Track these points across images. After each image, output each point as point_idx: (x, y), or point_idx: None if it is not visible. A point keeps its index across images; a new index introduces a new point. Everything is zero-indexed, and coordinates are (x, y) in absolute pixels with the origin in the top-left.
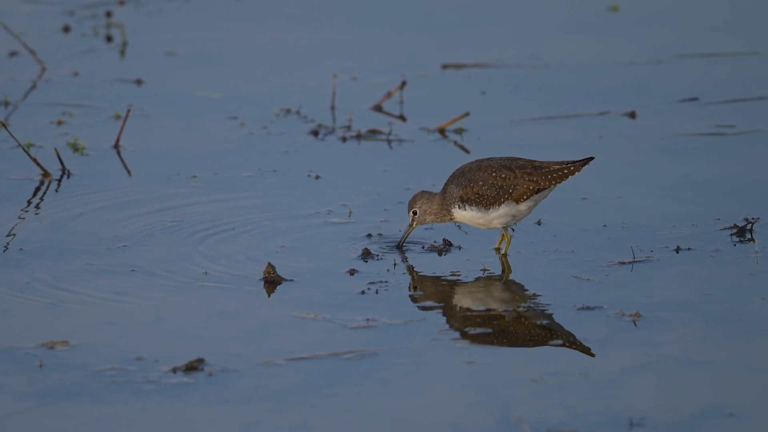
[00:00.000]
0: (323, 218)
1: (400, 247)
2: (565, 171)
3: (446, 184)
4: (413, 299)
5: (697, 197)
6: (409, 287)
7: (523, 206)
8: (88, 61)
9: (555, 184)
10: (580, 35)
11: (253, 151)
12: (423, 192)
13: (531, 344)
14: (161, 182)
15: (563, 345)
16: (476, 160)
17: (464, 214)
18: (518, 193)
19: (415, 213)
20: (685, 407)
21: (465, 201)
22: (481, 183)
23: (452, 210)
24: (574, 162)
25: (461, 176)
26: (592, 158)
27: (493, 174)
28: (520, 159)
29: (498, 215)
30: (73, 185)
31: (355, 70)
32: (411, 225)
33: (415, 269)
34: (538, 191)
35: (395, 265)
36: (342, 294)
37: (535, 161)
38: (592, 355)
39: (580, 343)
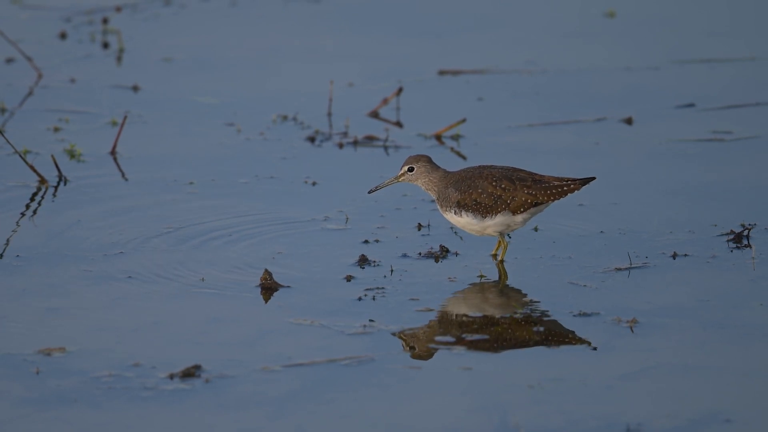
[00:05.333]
0: (320, 224)
1: (371, 191)
2: (565, 188)
3: (451, 178)
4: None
5: (694, 203)
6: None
7: (519, 218)
8: (85, 67)
9: (553, 200)
10: (577, 41)
11: (250, 157)
12: (427, 158)
13: (528, 350)
14: (158, 188)
15: (560, 352)
16: (479, 166)
17: (459, 220)
18: (515, 205)
19: (411, 170)
20: (682, 413)
21: (462, 207)
22: (480, 191)
23: (447, 215)
24: (574, 180)
25: (462, 181)
26: (593, 178)
27: (493, 183)
28: (522, 171)
29: (493, 224)
30: (70, 192)
31: (352, 76)
32: (397, 177)
33: (403, 332)
34: (536, 205)
35: (392, 271)
36: (339, 300)
37: (536, 174)
38: (594, 348)
39: (580, 338)
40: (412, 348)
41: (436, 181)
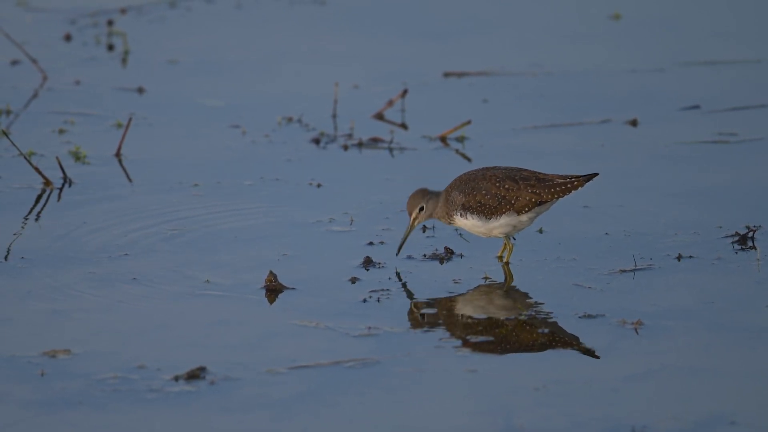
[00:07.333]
0: (325, 226)
1: (401, 246)
2: (569, 185)
3: (450, 188)
4: (417, 307)
5: (698, 205)
6: (415, 320)
7: (524, 217)
8: (90, 69)
9: (557, 198)
10: (582, 43)
11: (255, 159)
12: (424, 190)
13: (533, 352)
14: (163, 191)
15: (565, 354)
16: (482, 168)
17: (465, 222)
18: (520, 205)
19: (422, 209)
20: (687, 415)
21: (467, 209)
22: (483, 192)
23: (454, 216)
24: (578, 177)
25: (465, 183)
26: (596, 174)
27: (497, 184)
28: (524, 170)
29: (499, 225)
30: (75, 194)
31: (357, 78)
32: (412, 224)
33: (417, 300)
34: (540, 203)
35: (397, 273)
36: (344, 302)
37: (539, 173)
38: (597, 356)
39: (585, 348)
40: (421, 315)
41: (443, 201)
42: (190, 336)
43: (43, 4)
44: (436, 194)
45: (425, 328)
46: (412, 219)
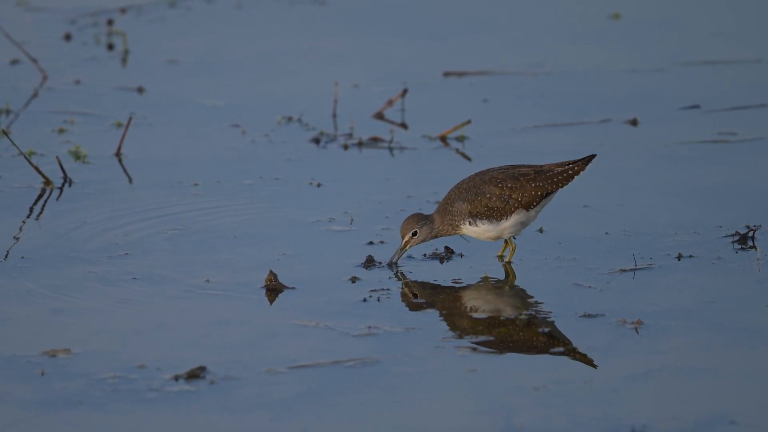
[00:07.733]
0: (325, 226)
1: (392, 264)
2: (569, 172)
3: (449, 200)
4: (414, 306)
5: (698, 205)
6: (405, 295)
7: (532, 212)
8: (90, 69)
9: (562, 186)
10: (582, 43)
11: (255, 159)
12: (420, 215)
13: (533, 352)
14: (163, 190)
15: (565, 353)
16: (478, 173)
17: (475, 230)
18: (527, 200)
19: (415, 234)
20: (687, 415)
21: (475, 216)
22: (488, 195)
23: (462, 226)
24: (576, 161)
25: (466, 192)
26: (594, 156)
27: (499, 185)
28: (520, 166)
29: (510, 225)
30: (75, 193)
31: (357, 78)
32: (403, 247)
33: (409, 280)
34: (546, 195)
35: (397, 273)
36: (344, 302)
37: (535, 166)
38: (594, 366)
39: (583, 354)
40: (414, 295)
41: (437, 222)
42: (190, 336)
43: (43, 4)
44: (430, 219)
45: (415, 298)
46: (403, 242)
